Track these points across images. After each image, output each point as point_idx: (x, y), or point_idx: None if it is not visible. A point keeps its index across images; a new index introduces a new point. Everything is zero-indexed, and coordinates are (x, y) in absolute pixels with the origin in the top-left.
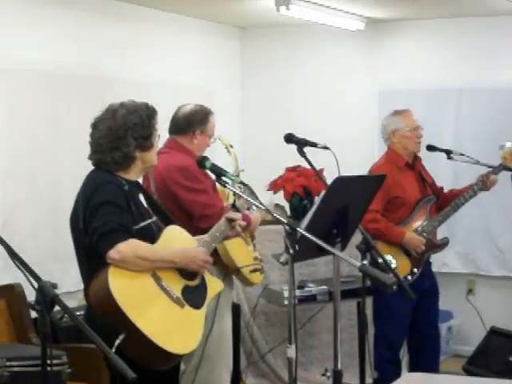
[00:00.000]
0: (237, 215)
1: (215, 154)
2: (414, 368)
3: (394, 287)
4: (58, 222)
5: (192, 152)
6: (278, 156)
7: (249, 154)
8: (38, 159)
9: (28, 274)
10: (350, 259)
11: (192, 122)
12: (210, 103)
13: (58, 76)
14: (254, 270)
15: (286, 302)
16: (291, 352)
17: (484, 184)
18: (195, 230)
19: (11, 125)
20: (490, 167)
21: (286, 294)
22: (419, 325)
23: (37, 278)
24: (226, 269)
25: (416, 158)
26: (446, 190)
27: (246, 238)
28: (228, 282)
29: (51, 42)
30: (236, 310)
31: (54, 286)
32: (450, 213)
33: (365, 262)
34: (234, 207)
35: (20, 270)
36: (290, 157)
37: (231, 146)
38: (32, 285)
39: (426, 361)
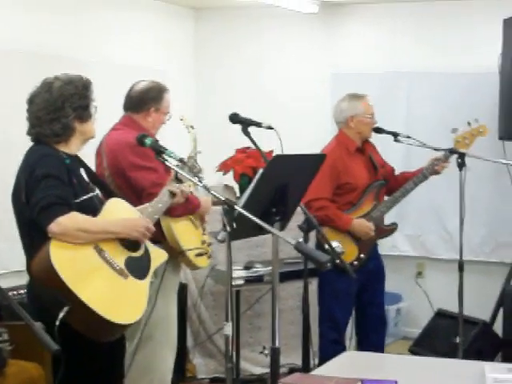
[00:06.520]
0: (178, 187)
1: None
2: (361, 350)
3: (329, 264)
4: (5, 201)
5: (146, 130)
6: (229, 137)
7: (201, 135)
8: None
9: None
10: (286, 237)
11: (146, 99)
12: (164, 83)
13: (4, 52)
14: (200, 254)
15: (233, 283)
16: (228, 329)
17: (435, 168)
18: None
19: None
20: (435, 149)
21: (233, 274)
22: (365, 306)
23: None
24: (171, 251)
25: (366, 142)
26: (397, 173)
27: (195, 221)
28: (173, 266)
29: None
30: (183, 289)
31: None
32: (400, 198)
33: (300, 239)
34: (176, 179)
35: None
36: (243, 138)
37: (192, 127)
38: None
39: (373, 342)
